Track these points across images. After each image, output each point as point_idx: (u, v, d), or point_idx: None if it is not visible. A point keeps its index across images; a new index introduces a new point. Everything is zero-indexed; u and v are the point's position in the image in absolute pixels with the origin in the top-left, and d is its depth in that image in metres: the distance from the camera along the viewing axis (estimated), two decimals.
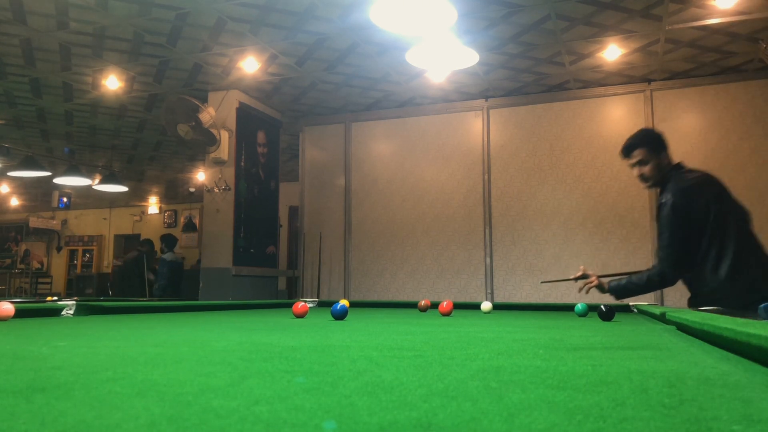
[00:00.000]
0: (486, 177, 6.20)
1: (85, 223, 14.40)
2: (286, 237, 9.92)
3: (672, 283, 2.77)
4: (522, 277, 5.99)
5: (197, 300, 5.67)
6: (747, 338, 0.87)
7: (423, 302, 3.46)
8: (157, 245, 8.69)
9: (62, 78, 5.80)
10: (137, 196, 12.61)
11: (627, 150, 2.75)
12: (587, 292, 2.99)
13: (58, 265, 14.60)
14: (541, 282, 4.46)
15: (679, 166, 2.72)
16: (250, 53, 5.21)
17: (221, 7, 4.34)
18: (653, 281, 2.74)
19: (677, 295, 5.52)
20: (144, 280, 8.23)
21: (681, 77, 5.70)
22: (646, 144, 2.72)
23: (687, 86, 5.71)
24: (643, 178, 2.74)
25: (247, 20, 4.56)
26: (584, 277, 3.07)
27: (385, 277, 6.48)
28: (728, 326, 1.00)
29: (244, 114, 6.25)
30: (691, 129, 5.67)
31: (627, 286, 2.83)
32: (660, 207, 2.65)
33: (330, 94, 6.26)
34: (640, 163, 2.71)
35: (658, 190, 2.77)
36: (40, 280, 14.25)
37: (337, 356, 1.00)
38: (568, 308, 3.50)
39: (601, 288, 2.93)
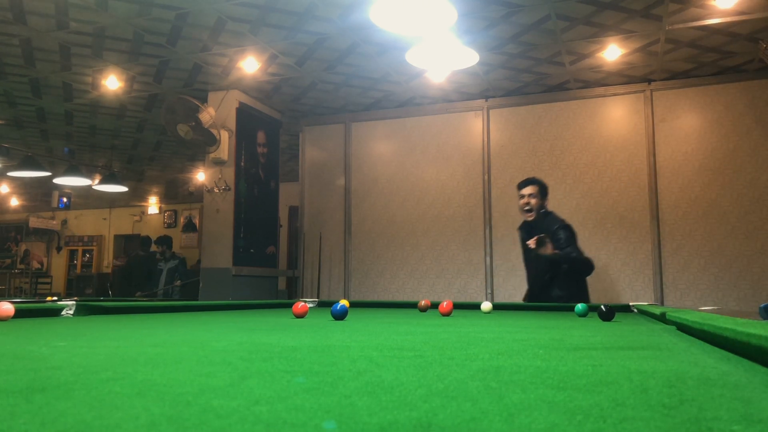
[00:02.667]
0: (486, 177, 6.20)
1: (84, 223, 14.41)
2: (286, 237, 9.91)
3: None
4: (522, 277, 5.98)
5: (197, 300, 5.66)
6: (747, 338, 0.87)
7: (423, 302, 3.46)
8: (155, 248, 8.64)
9: (62, 78, 5.80)
10: (137, 196, 12.61)
11: (523, 184, 3.89)
12: None
13: (58, 265, 14.60)
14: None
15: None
16: (250, 53, 5.21)
17: (221, 7, 4.34)
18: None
19: (677, 294, 5.53)
20: (147, 281, 8.23)
21: (681, 77, 5.70)
22: (539, 185, 3.74)
23: (687, 86, 5.71)
24: (528, 206, 3.86)
25: (247, 20, 4.56)
26: None
27: (385, 277, 6.48)
28: (728, 326, 1.00)
29: (244, 114, 6.25)
30: (691, 129, 5.67)
31: None
32: (561, 228, 3.69)
33: (330, 94, 6.26)
34: (531, 195, 3.77)
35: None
36: (40, 280, 14.25)
37: (337, 356, 1.00)
38: (568, 308, 3.50)
39: None
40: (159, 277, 7.89)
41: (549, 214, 4.07)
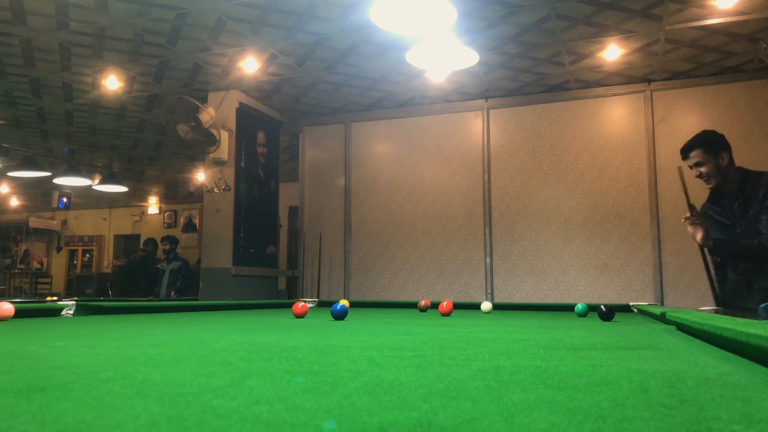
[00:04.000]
0: (486, 177, 6.20)
1: (84, 223, 14.41)
2: (286, 237, 9.92)
3: None
4: (522, 277, 5.99)
5: (197, 300, 5.67)
6: (747, 338, 0.87)
7: (423, 302, 3.46)
8: (158, 246, 8.64)
9: (62, 78, 5.80)
10: (137, 196, 12.61)
11: (684, 152, 2.86)
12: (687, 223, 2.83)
13: (58, 265, 14.60)
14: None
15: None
16: (250, 53, 5.21)
17: (221, 7, 4.34)
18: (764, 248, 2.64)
19: (677, 294, 5.53)
20: (147, 281, 8.22)
21: (681, 77, 5.70)
22: (703, 145, 2.82)
23: (687, 86, 5.71)
24: (701, 176, 2.84)
25: (247, 20, 4.56)
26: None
27: (385, 277, 6.48)
28: (728, 326, 1.00)
29: (244, 114, 6.25)
30: (691, 129, 5.65)
31: (734, 245, 2.78)
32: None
33: (330, 94, 6.26)
34: (698, 164, 2.82)
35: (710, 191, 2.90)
36: (40, 280, 14.25)
37: (337, 356, 1.00)
38: (568, 308, 3.50)
39: (704, 238, 2.74)
40: (161, 279, 7.81)
41: (747, 173, 2.84)
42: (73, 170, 8.14)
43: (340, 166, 6.80)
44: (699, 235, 2.75)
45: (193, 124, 5.76)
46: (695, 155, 2.82)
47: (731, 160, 2.83)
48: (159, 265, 8.04)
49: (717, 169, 2.80)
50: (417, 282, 6.35)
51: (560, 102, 6.07)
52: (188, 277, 7.81)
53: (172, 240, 8.08)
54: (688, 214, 2.85)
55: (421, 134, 6.54)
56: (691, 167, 2.86)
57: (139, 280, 8.61)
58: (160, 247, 8.39)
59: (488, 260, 6.10)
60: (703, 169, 2.81)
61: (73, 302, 2.53)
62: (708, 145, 2.81)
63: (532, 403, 0.57)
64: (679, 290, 5.51)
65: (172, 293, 7.61)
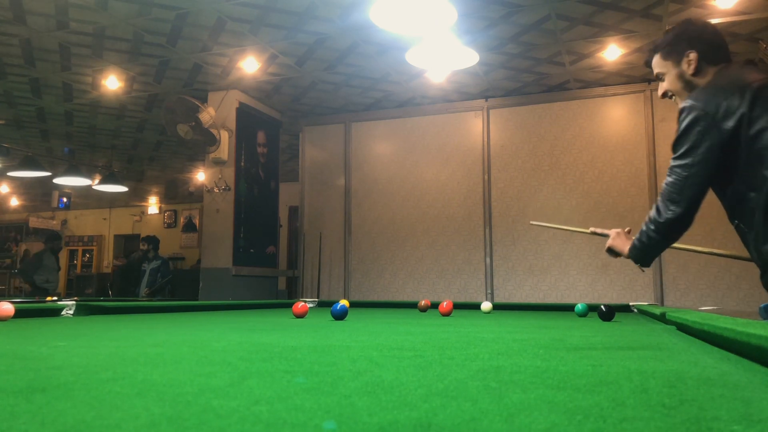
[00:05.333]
0: (486, 177, 6.20)
1: (84, 223, 14.41)
2: (286, 237, 9.92)
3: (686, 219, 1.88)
4: (522, 277, 5.99)
5: (197, 300, 5.67)
6: (747, 338, 0.87)
7: (423, 302, 3.46)
8: (142, 246, 8.58)
9: (62, 78, 5.80)
10: (137, 196, 12.61)
11: (647, 63, 2.05)
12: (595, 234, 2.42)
13: None
14: (531, 222, 3.58)
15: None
16: (250, 53, 5.21)
17: (221, 7, 4.34)
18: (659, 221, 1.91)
19: (677, 294, 5.53)
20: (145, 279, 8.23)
21: None
22: (663, 48, 1.95)
23: None
24: (665, 95, 2.01)
25: (247, 20, 4.56)
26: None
27: (385, 277, 6.48)
28: (728, 326, 1.00)
29: (244, 114, 6.25)
30: None
31: (640, 241, 2.12)
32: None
33: (330, 94, 6.26)
34: (659, 77, 1.99)
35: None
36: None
37: (337, 356, 1.00)
38: (568, 308, 3.50)
39: (612, 251, 2.31)
40: (142, 279, 7.82)
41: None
42: (73, 170, 8.14)
43: (340, 166, 6.80)
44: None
45: (193, 124, 5.76)
46: (655, 64, 1.98)
47: (702, 65, 1.87)
48: (143, 266, 8.04)
49: (681, 81, 1.91)
50: (417, 282, 6.35)
51: (560, 102, 6.07)
52: (166, 275, 7.79)
53: (150, 240, 8.09)
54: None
55: (421, 134, 6.54)
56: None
57: (134, 281, 8.61)
58: (141, 247, 8.34)
59: (488, 260, 6.10)
60: (664, 84, 1.97)
61: (73, 302, 2.53)
62: (667, 45, 1.93)
63: (532, 403, 0.57)
64: (679, 290, 5.51)
65: (145, 291, 7.62)
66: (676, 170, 1.83)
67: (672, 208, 1.85)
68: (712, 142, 1.73)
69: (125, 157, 9.11)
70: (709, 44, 1.89)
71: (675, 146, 1.84)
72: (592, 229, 2.44)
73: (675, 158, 1.83)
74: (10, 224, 14.89)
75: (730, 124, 1.69)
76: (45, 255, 8.13)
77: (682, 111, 1.81)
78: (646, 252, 2.11)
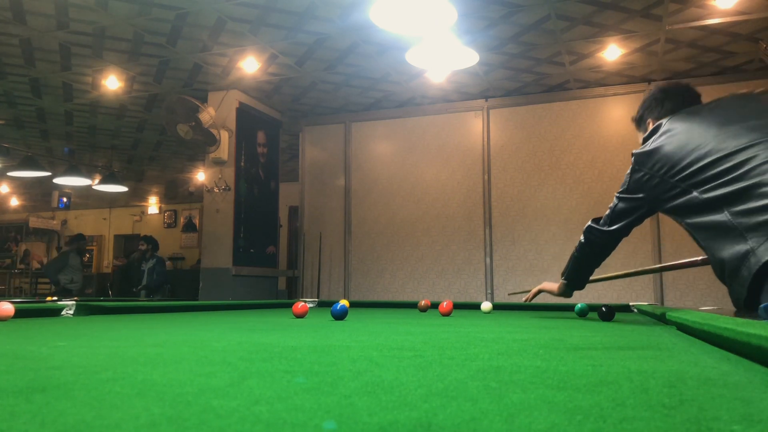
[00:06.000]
0: (486, 177, 6.20)
1: (84, 223, 14.41)
2: (286, 237, 9.92)
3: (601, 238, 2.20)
4: (522, 277, 5.99)
5: (197, 300, 5.67)
6: (747, 338, 0.87)
7: (423, 302, 3.46)
8: (142, 245, 8.64)
9: (62, 78, 5.80)
10: (137, 196, 12.61)
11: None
12: (529, 301, 2.74)
13: None
14: (509, 294, 4.28)
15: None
16: (250, 53, 5.21)
17: (221, 7, 4.34)
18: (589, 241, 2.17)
19: (677, 294, 5.53)
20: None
21: (681, 77, 5.70)
22: (633, 121, 2.25)
23: None
24: None
25: (247, 20, 4.56)
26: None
27: (385, 277, 6.48)
28: (728, 326, 1.00)
29: (244, 114, 6.25)
30: None
31: (570, 266, 2.34)
32: None
33: (330, 94, 6.26)
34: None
35: None
36: (40, 280, 14.24)
37: (337, 356, 1.00)
38: (568, 308, 3.50)
39: (552, 291, 2.48)
40: (143, 278, 8.01)
41: None
42: (73, 170, 8.15)
43: (340, 166, 6.80)
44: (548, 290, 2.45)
45: (193, 124, 5.76)
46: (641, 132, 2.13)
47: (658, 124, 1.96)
48: (142, 266, 8.16)
49: None
50: (417, 282, 6.35)
51: (560, 102, 6.07)
52: (162, 274, 7.88)
53: (149, 240, 8.21)
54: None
55: (421, 134, 6.54)
56: None
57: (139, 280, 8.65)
58: (141, 246, 8.45)
59: (488, 260, 6.09)
60: None
61: (73, 302, 2.53)
62: (636, 120, 2.23)
63: (532, 403, 0.57)
64: (679, 290, 5.51)
65: (135, 290, 7.70)
66: None
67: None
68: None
69: (125, 157, 9.11)
70: (661, 105, 2.12)
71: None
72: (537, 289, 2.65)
73: None
74: (10, 224, 14.90)
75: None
76: (70, 255, 8.20)
77: None
78: (577, 277, 2.35)
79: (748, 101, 1.83)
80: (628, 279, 5.65)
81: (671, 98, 2.07)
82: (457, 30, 4.62)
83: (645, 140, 1.99)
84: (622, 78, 5.73)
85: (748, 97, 1.86)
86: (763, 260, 1.53)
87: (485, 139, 6.27)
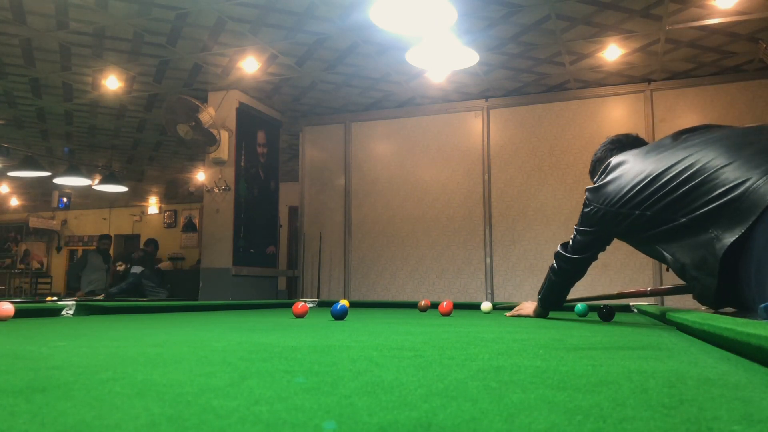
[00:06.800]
0: (486, 177, 6.20)
1: (84, 223, 14.41)
2: (286, 237, 9.92)
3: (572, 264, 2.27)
4: (522, 277, 5.99)
5: (197, 300, 5.67)
6: (747, 338, 0.87)
7: (423, 302, 3.46)
8: (158, 246, 8.78)
9: (62, 78, 5.80)
10: (137, 196, 12.61)
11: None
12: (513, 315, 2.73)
13: (58, 265, 14.60)
14: (495, 306, 4.09)
15: None
16: (250, 53, 5.21)
17: (221, 7, 4.34)
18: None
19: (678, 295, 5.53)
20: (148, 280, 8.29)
21: (681, 77, 5.70)
22: (590, 171, 2.35)
23: (687, 86, 5.71)
24: None
25: (247, 20, 4.56)
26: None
27: (385, 277, 6.48)
28: (728, 326, 1.00)
29: (244, 114, 6.25)
30: None
31: (543, 291, 2.46)
32: None
33: (330, 94, 6.26)
34: None
35: None
36: (39, 280, 14.25)
37: (337, 356, 1.00)
38: (568, 308, 3.50)
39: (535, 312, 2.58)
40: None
41: None
42: (73, 170, 8.15)
43: (340, 166, 6.80)
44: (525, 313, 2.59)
45: (193, 124, 5.76)
46: None
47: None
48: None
49: None
50: (417, 282, 6.35)
51: (560, 102, 6.07)
52: (132, 285, 7.87)
53: (148, 244, 8.36)
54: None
55: (421, 134, 6.54)
56: None
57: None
58: (146, 249, 8.59)
59: (488, 260, 6.10)
60: None
61: (73, 302, 2.53)
62: (590, 172, 2.34)
63: (532, 403, 0.57)
64: None
65: (80, 294, 7.77)
66: None
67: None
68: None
69: (125, 157, 9.11)
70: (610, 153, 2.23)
71: None
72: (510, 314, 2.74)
73: None
74: (10, 224, 14.90)
75: None
76: (90, 254, 8.24)
77: None
78: (552, 299, 2.45)
79: (685, 133, 1.94)
80: (627, 279, 5.65)
81: (622, 146, 2.22)
82: (457, 30, 4.62)
83: (595, 177, 2.16)
84: (622, 78, 5.73)
85: (687, 129, 1.97)
86: (729, 242, 1.52)
87: (485, 139, 6.27)
